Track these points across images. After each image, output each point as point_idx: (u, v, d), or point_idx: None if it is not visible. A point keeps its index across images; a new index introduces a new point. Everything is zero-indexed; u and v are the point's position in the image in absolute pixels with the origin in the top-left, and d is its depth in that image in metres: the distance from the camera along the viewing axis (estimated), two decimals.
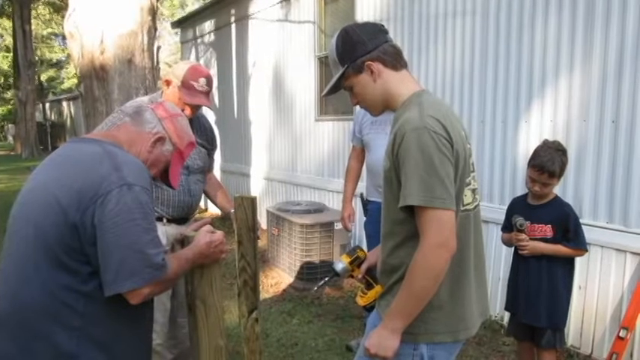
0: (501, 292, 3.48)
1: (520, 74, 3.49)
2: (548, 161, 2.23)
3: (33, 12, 22.04)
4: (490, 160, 3.73)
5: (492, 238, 3.65)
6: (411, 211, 1.32)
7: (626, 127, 2.96)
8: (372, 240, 3.04)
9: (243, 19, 7.05)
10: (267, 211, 4.98)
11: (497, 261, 3.66)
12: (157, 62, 4.61)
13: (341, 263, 1.68)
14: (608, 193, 3.08)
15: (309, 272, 4.38)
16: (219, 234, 1.56)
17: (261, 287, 4.32)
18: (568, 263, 2.38)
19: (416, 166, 1.27)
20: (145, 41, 4.27)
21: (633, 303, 2.90)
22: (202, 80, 2.23)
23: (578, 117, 3.18)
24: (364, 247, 2.62)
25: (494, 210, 3.58)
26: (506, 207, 2.58)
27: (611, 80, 3.00)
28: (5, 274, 1.34)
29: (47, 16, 26.18)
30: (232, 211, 2.15)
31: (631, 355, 2.89)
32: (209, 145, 2.50)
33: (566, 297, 2.37)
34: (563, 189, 3.18)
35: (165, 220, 2.28)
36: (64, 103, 26.39)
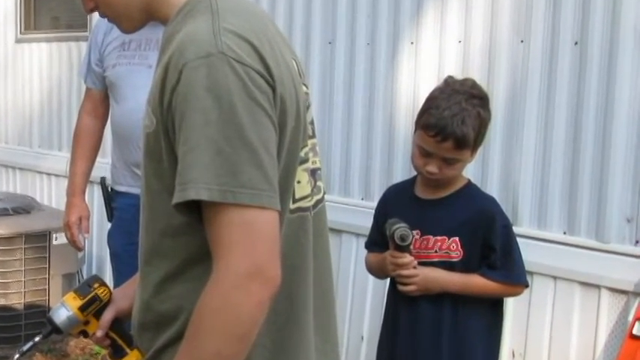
0: None
1: None
2: (454, 118, 2.13)
3: None
4: (345, 116, 3.48)
5: (349, 260, 3.42)
6: (197, 211, 1.15)
7: (601, 53, 2.65)
8: (123, 265, 2.94)
9: None
10: None
11: (359, 305, 3.44)
12: None
13: (65, 310, 1.52)
14: (565, 178, 2.81)
15: (5, 327, 4.15)
16: None
17: None
18: (491, 309, 2.29)
19: (205, 127, 1.10)
20: None
21: None
22: None
23: (509, 34, 2.93)
24: (107, 279, 2.76)
25: (352, 210, 3.39)
26: (374, 204, 2.60)
27: None
28: None
29: None
30: None
31: None
32: None
33: None
34: (482, 171, 2.95)
35: None
36: None
